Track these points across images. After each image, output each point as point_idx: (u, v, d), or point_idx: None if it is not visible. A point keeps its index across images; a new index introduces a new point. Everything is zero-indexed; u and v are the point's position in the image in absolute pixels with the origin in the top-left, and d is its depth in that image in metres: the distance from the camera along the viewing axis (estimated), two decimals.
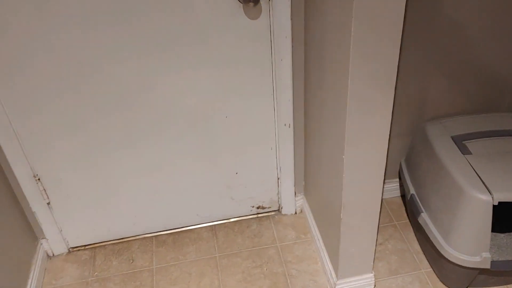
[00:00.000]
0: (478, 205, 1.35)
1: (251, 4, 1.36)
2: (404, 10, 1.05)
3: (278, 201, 1.90)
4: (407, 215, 1.88)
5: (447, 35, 1.57)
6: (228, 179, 1.79)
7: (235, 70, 1.52)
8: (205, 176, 1.75)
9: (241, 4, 1.39)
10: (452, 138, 1.57)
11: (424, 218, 1.58)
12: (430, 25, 1.54)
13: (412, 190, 1.70)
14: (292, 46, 1.50)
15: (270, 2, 1.40)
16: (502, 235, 1.53)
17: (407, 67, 1.62)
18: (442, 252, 1.48)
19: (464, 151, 1.51)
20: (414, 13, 1.51)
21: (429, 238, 1.56)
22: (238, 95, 1.57)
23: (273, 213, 1.93)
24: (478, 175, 1.41)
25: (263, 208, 1.91)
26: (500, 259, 1.45)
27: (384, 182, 1.94)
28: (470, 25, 1.56)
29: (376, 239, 1.77)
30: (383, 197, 1.97)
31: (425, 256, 1.70)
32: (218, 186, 1.79)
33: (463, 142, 1.55)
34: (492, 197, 1.34)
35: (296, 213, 1.92)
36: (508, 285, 1.59)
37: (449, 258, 1.46)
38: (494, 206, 1.36)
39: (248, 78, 1.55)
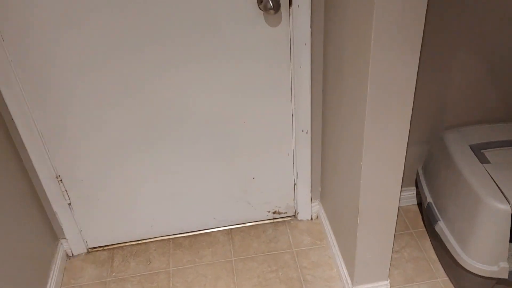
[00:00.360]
0: (496, 214, 1.35)
1: (272, 12, 1.38)
2: (424, 17, 1.06)
3: (294, 206, 1.91)
4: (424, 223, 1.88)
5: (468, 43, 1.57)
6: (245, 184, 1.80)
7: (255, 76, 1.54)
8: (222, 180, 1.78)
9: (262, 12, 1.41)
10: (471, 146, 1.56)
11: (441, 226, 1.58)
12: (450, 34, 1.54)
13: (429, 198, 1.70)
14: (311, 53, 1.52)
15: (290, 10, 1.42)
16: None
17: (426, 74, 1.62)
18: (459, 260, 1.48)
19: (483, 160, 1.51)
20: (435, 21, 1.51)
21: (446, 246, 1.55)
22: (257, 101, 1.59)
23: (289, 218, 1.94)
24: (496, 184, 1.40)
25: (279, 213, 1.92)
26: None
27: (401, 190, 1.93)
28: (494, 32, 1.56)
29: (392, 247, 1.77)
30: (400, 205, 1.97)
31: (441, 265, 1.70)
32: (235, 191, 1.81)
33: (482, 151, 1.55)
34: (511, 207, 1.34)
35: (312, 219, 1.93)
36: None
37: (466, 267, 1.46)
38: None
39: (267, 84, 1.56)
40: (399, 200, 1.95)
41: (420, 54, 1.57)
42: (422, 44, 1.55)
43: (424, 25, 1.51)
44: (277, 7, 1.38)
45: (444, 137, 1.64)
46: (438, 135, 1.69)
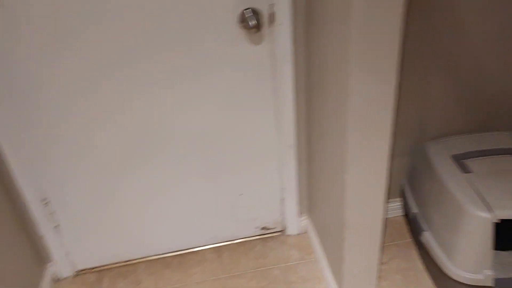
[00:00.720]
0: (478, 222, 1.37)
1: (254, 30, 1.41)
2: (400, 33, 1.09)
3: (282, 221, 1.92)
4: (410, 234, 1.90)
5: (447, 58, 1.62)
6: (232, 201, 1.81)
7: (239, 94, 1.56)
8: (209, 198, 1.78)
9: (244, 31, 1.44)
10: (452, 157, 1.59)
11: (427, 236, 1.60)
12: (430, 50, 1.59)
13: (414, 209, 1.72)
14: (295, 69, 1.55)
15: (272, 28, 1.45)
16: (506, 252, 1.55)
17: (408, 89, 1.66)
18: (444, 270, 1.49)
19: (464, 169, 1.54)
20: (415, 37, 1.55)
21: (432, 256, 1.57)
22: (242, 117, 1.61)
23: (277, 233, 1.95)
24: (478, 193, 1.43)
25: (267, 229, 1.93)
26: (503, 277, 1.45)
27: (387, 202, 1.96)
28: (470, 47, 1.61)
29: (380, 259, 1.78)
30: (387, 217, 1.99)
31: (429, 275, 1.71)
32: (222, 208, 1.82)
33: (463, 160, 1.58)
34: (492, 215, 1.36)
35: (300, 233, 1.94)
36: None
37: (451, 276, 1.47)
38: (496, 224, 1.38)
39: (251, 101, 1.59)
40: (386, 212, 1.97)
41: (401, 71, 1.61)
42: (402, 61, 1.59)
43: (403, 42, 1.55)
44: (258, 26, 1.41)
45: (426, 148, 1.67)
46: (421, 147, 1.72)
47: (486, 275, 1.43)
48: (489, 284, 1.44)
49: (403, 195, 1.87)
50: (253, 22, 1.38)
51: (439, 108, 1.74)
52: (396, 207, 1.99)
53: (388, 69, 1.13)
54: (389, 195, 1.96)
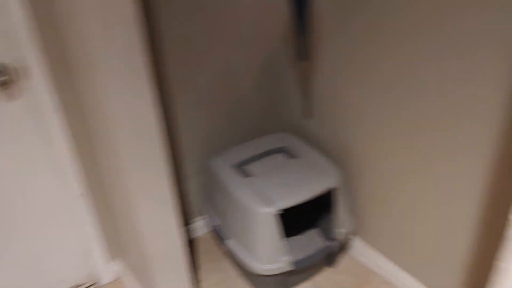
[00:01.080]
0: (264, 217, 1.54)
1: (5, 86, 1.34)
2: (145, 65, 1.17)
3: (93, 273, 1.84)
4: (219, 246, 2.01)
5: (214, 83, 1.78)
6: (32, 269, 1.67)
7: (11, 153, 1.46)
8: (4, 275, 1.61)
9: None
10: (233, 166, 1.75)
11: (230, 243, 1.72)
12: (193, 79, 1.73)
13: (216, 222, 1.83)
14: (66, 118, 1.50)
15: (28, 81, 1.39)
16: (297, 237, 1.76)
17: (182, 116, 1.78)
18: (250, 269, 1.62)
19: (244, 174, 1.70)
20: (180, 73, 1.68)
21: (238, 260, 1.69)
22: (16, 179, 1.51)
23: (91, 287, 1.86)
24: (259, 192, 1.60)
25: (80, 285, 1.83)
26: (299, 258, 1.64)
27: (191, 222, 2.04)
28: (234, 74, 1.80)
29: (195, 278, 1.85)
30: (197, 235, 2.07)
31: (242, 278, 1.84)
32: (23, 280, 1.66)
33: (242, 167, 1.75)
34: (273, 208, 1.54)
35: (115, 279, 1.88)
36: (317, 276, 1.81)
37: (257, 272, 1.61)
38: (281, 215, 1.56)
39: (22, 160, 1.49)
40: (192, 232, 2.06)
41: (172, 98, 1.72)
42: (164, 91, 1.70)
43: (159, 72, 1.66)
44: (8, 81, 1.35)
45: (211, 163, 1.80)
46: (207, 163, 1.84)
47: (284, 261, 1.60)
48: (289, 268, 1.62)
49: (205, 212, 1.97)
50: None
51: (217, 125, 1.90)
52: (203, 224, 2.08)
53: (145, 103, 1.19)
54: (196, 214, 2.05)
